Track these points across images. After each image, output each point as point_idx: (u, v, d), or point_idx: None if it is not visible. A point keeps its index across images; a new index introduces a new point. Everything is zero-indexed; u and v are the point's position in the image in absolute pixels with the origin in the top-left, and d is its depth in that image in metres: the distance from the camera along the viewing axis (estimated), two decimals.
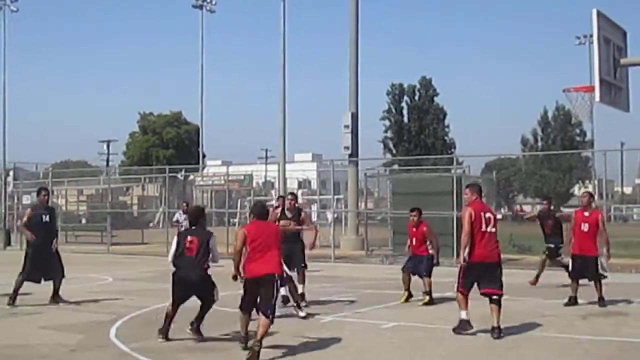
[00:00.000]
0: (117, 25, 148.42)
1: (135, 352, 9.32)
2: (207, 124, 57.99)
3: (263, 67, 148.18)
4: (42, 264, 13.58)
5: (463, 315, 10.47)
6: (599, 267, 13.14)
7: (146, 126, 77.17)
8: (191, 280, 10.00)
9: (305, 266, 13.12)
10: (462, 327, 10.45)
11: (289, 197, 13.81)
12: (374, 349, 9.73)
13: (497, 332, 10.16)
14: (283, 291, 11.98)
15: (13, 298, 13.42)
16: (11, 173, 41.35)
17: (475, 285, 10.50)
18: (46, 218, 13.73)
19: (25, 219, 13.85)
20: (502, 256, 10.94)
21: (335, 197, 33.75)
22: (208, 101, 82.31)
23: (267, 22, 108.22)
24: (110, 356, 9.22)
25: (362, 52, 25.19)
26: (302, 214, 13.35)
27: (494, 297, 10.31)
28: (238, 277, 9.50)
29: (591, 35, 11.81)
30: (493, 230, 10.44)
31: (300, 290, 12.71)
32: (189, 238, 10.11)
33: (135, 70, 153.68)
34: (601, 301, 13.07)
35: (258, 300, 9.30)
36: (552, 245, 16.19)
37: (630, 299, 13.87)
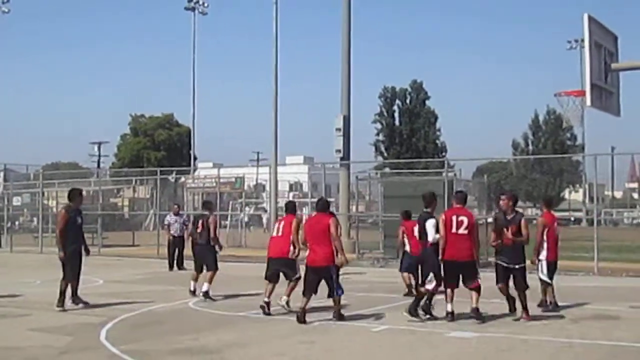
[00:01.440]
0: (109, 27, 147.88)
1: (125, 354, 9.28)
2: (198, 126, 57.97)
3: (255, 69, 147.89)
4: (80, 265, 13.53)
5: (448, 307, 11.67)
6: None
7: (137, 128, 77.18)
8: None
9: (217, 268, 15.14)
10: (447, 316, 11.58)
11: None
12: (363, 352, 9.72)
13: (475, 313, 11.48)
14: (205, 287, 14.60)
15: (62, 301, 13.18)
16: (1, 174, 41.16)
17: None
18: (80, 220, 13.60)
19: (61, 223, 13.32)
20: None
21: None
22: (200, 103, 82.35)
23: (260, 24, 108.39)
24: (99, 358, 9.17)
25: (354, 55, 25.21)
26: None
27: (474, 287, 11.65)
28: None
29: (582, 40, 11.84)
30: (464, 232, 11.57)
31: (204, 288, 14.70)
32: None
33: (127, 72, 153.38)
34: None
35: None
36: (510, 264, 11.98)
37: (622, 303, 13.90)
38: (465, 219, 11.64)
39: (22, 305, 13.83)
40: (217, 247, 15.35)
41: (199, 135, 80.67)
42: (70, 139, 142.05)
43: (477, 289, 11.62)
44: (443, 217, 11.79)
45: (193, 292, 15.06)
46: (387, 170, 49.91)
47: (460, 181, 26.26)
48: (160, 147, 74.87)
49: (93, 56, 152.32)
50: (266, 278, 12.68)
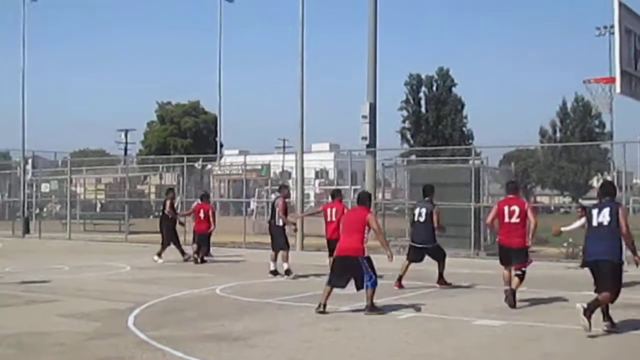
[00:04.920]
0: (136, 14, 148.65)
1: (152, 340, 9.33)
2: (224, 113, 57.77)
3: (281, 56, 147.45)
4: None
5: (506, 287, 12.20)
6: None
7: (164, 115, 77.35)
8: None
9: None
10: (507, 298, 11.94)
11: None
12: (389, 339, 9.69)
13: (510, 293, 11.95)
14: (272, 266, 16.51)
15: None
16: (30, 161, 41.44)
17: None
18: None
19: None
20: None
21: (353, 187, 33.70)
22: (226, 91, 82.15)
23: (286, 11, 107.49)
24: (127, 344, 9.23)
25: (380, 42, 25.05)
26: None
27: (517, 272, 12.18)
28: None
29: (611, 26, 11.79)
30: (517, 221, 12.22)
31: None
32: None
33: (153, 59, 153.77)
34: None
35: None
36: None
37: None
38: (517, 208, 12.28)
39: (50, 291, 13.97)
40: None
41: (225, 123, 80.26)
42: (97, 127, 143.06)
43: (521, 276, 12.09)
44: (496, 207, 12.66)
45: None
46: (413, 157, 49.67)
47: (487, 169, 26.09)
48: (187, 134, 75.00)
49: (119, 43, 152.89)
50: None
